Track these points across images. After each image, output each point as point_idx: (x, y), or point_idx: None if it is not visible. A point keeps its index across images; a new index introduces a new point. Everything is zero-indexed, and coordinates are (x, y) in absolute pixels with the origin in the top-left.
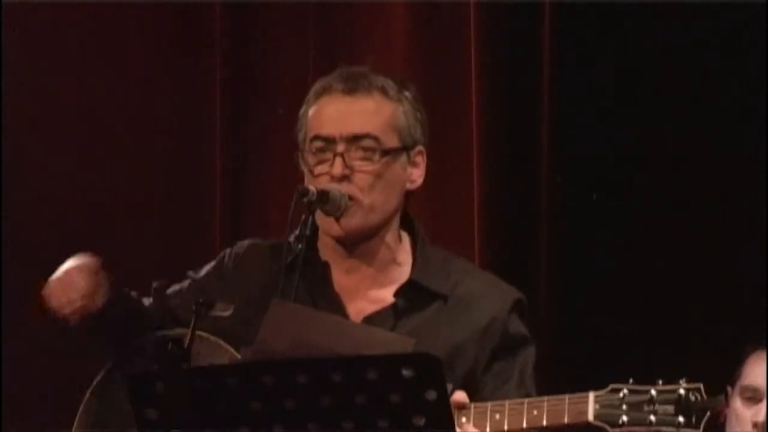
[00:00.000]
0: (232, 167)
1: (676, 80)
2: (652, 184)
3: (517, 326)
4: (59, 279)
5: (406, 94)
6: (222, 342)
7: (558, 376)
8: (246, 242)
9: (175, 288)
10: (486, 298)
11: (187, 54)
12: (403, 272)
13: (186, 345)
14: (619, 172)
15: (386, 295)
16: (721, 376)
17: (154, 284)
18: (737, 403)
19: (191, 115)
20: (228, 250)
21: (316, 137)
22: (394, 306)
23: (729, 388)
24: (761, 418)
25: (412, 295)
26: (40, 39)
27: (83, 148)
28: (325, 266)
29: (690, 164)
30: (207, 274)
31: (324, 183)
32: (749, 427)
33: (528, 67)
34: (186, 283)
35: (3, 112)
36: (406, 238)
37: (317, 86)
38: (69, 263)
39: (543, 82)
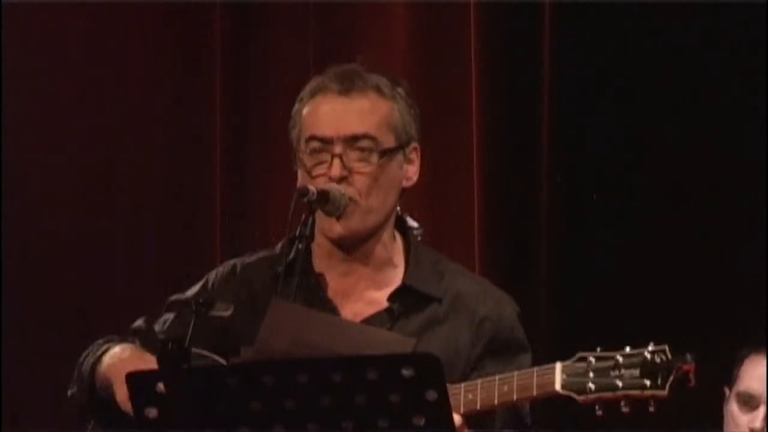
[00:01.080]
0: (232, 167)
1: (676, 80)
2: (652, 184)
3: (517, 332)
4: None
5: (400, 90)
6: (217, 357)
7: None
8: (231, 262)
9: (164, 319)
10: (479, 298)
11: (187, 54)
12: (397, 273)
13: (186, 345)
14: (619, 172)
15: (381, 297)
16: (721, 377)
17: (137, 324)
18: (734, 407)
19: (191, 115)
20: (213, 272)
21: (313, 138)
22: (389, 310)
23: (726, 390)
24: (758, 424)
25: (406, 298)
26: (40, 39)
27: (83, 148)
28: (318, 275)
29: (690, 164)
30: (199, 292)
31: (322, 184)
32: None
33: (528, 67)
34: (171, 315)
35: (3, 112)
36: (398, 239)
37: (311, 85)
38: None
39: (543, 82)
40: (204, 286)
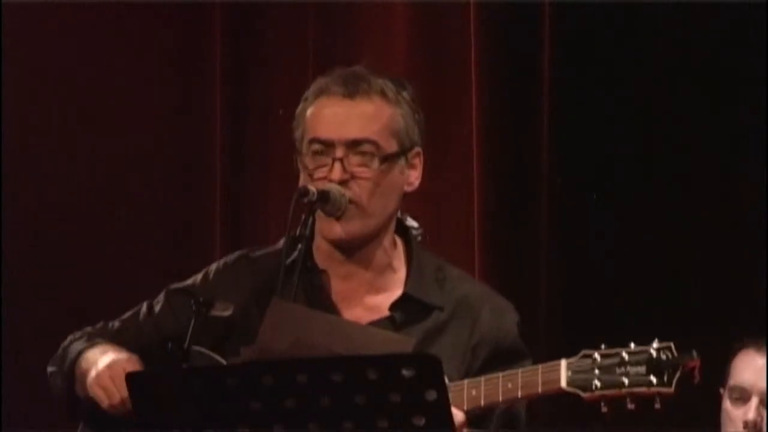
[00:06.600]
0: (232, 168)
1: (676, 80)
2: (652, 184)
3: (517, 341)
4: (109, 375)
5: (405, 95)
6: (217, 356)
7: None
8: (235, 254)
9: (161, 307)
10: (480, 307)
11: (187, 54)
12: (397, 279)
13: (186, 345)
14: (619, 172)
15: (381, 303)
16: (717, 379)
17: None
18: (727, 404)
19: (191, 115)
20: (214, 264)
21: (315, 140)
22: (391, 319)
23: (721, 390)
24: (751, 416)
25: (408, 308)
26: (40, 39)
27: (82, 148)
28: (322, 273)
29: (690, 164)
30: (200, 284)
31: (322, 186)
32: (740, 427)
33: (528, 67)
34: (168, 301)
35: (3, 112)
36: (399, 243)
37: (316, 86)
38: (109, 358)
39: (543, 82)
40: (205, 278)
